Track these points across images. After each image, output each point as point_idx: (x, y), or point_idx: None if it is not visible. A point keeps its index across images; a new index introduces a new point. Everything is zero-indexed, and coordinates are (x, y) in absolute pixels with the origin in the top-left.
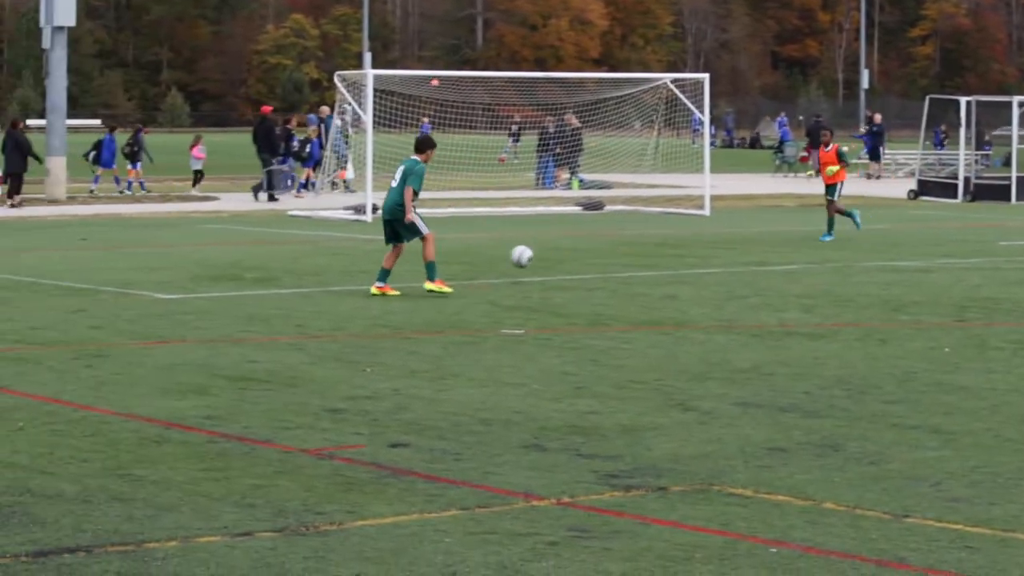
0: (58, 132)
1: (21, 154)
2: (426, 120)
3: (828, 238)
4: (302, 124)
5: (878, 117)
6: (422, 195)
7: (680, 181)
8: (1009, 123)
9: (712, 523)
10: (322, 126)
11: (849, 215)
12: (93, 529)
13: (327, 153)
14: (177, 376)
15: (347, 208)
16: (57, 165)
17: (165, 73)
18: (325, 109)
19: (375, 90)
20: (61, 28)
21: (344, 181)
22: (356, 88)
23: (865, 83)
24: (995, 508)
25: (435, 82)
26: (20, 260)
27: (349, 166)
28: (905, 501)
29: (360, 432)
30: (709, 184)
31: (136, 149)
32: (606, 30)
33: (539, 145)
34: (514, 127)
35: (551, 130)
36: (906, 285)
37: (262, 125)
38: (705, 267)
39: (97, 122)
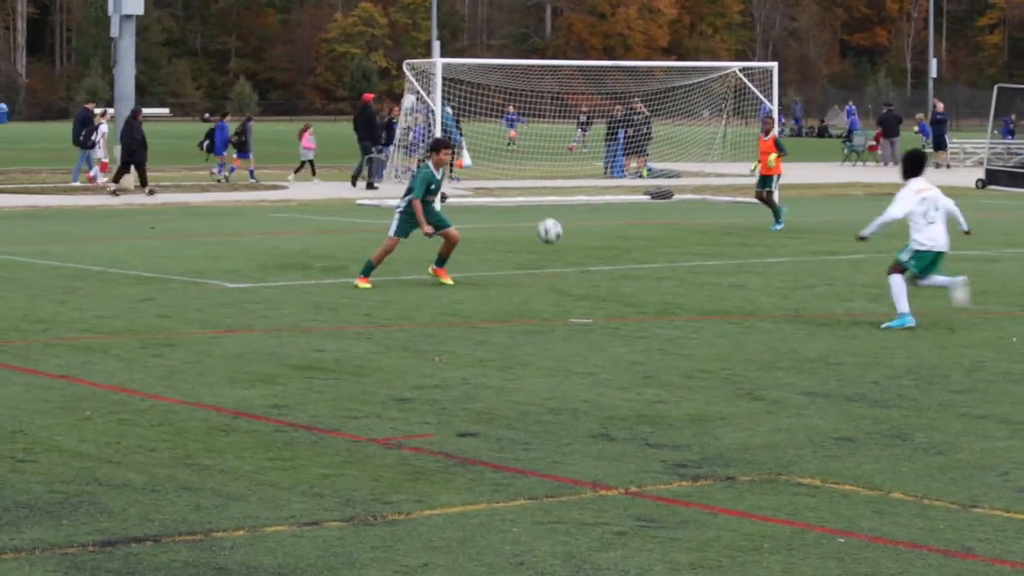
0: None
1: (137, 143)
2: (512, 109)
3: (778, 227)
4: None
5: (940, 105)
6: (493, 183)
7: (748, 170)
8: None
9: (780, 513)
10: (431, 115)
11: (775, 212)
12: (160, 519)
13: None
14: (245, 365)
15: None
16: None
17: (233, 62)
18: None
19: (444, 79)
20: (129, 16)
21: (460, 169)
22: (425, 77)
23: (933, 72)
24: None
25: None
26: (88, 249)
27: (465, 154)
28: (972, 491)
29: (428, 421)
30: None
31: (244, 139)
32: (675, 19)
33: (607, 134)
34: (582, 116)
35: (619, 118)
36: (974, 274)
37: (363, 113)
38: (773, 256)
39: (165, 111)
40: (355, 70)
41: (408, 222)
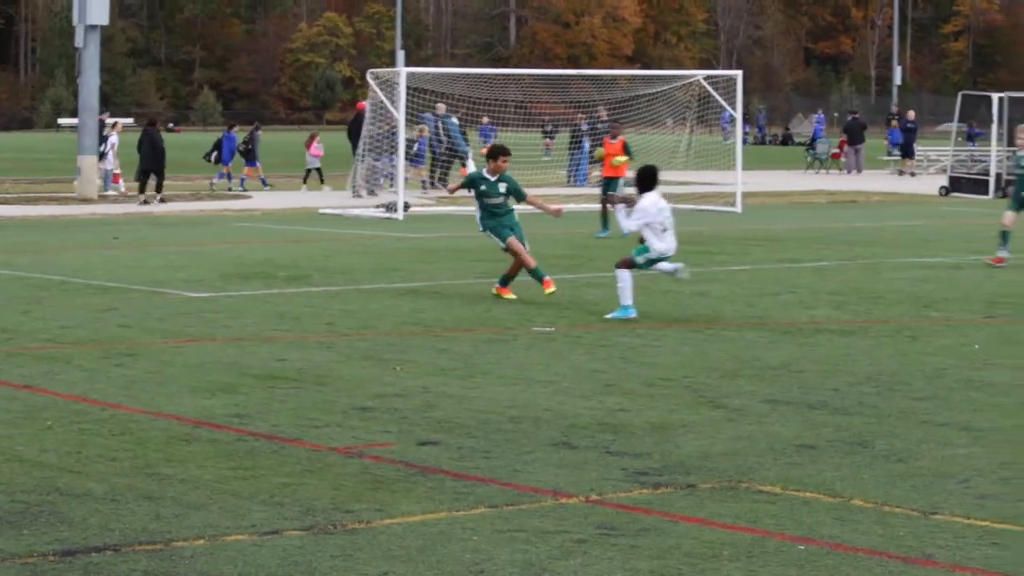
0: (90, 131)
1: (157, 152)
2: (486, 120)
3: (604, 234)
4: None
5: (911, 114)
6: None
7: (712, 178)
8: None
9: (740, 520)
10: (438, 124)
11: (605, 219)
12: (121, 528)
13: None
14: (206, 375)
15: (379, 206)
16: (88, 164)
17: (198, 72)
18: (441, 107)
19: (408, 88)
20: (94, 27)
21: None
22: (389, 86)
23: (898, 79)
24: (1023, 505)
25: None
26: (51, 259)
27: (470, 162)
28: (933, 498)
29: (389, 430)
30: (741, 181)
31: (251, 147)
32: (639, 27)
33: (571, 143)
34: (547, 125)
35: (584, 128)
36: (937, 282)
37: (356, 121)
38: (736, 264)
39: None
40: (319, 80)
41: (496, 226)
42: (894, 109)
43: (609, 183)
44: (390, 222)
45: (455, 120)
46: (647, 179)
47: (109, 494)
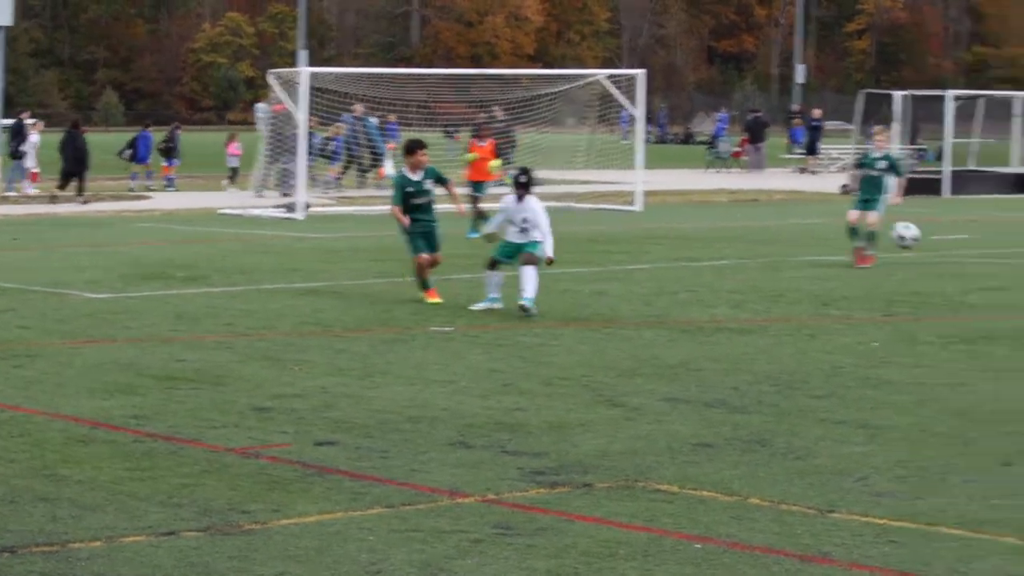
0: None
1: (79, 154)
2: (393, 118)
3: (475, 236)
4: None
5: (817, 111)
6: (358, 192)
7: (613, 177)
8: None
9: (637, 519)
10: (356, 125)
11: (483, 218)
12: (18, 529)
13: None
14: (105, 376)
15: (278, 206)
16: None
17: (101, 72)
18: (359, 107)
19: (312, 88)
20: None
21: (385, 179)
22: (291, 86)
23: (801, 78)
24: (920, 502)
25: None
26: None
27: (388, 163)
28: (830, 496)
29: (286, 431)
30: (642, 180)
31: (172, 146)
32: (542, 26)
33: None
34: (449, 126)
35: (481, 125)
36: (837, 280)
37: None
38: (635, 263)
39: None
40: (221, 80)
41: (413, 235)
42: (796, 107)
43: (479, 185)
44: (291, 222)
45: (374, 120)
46: (522, 183)
47: (6, 496)
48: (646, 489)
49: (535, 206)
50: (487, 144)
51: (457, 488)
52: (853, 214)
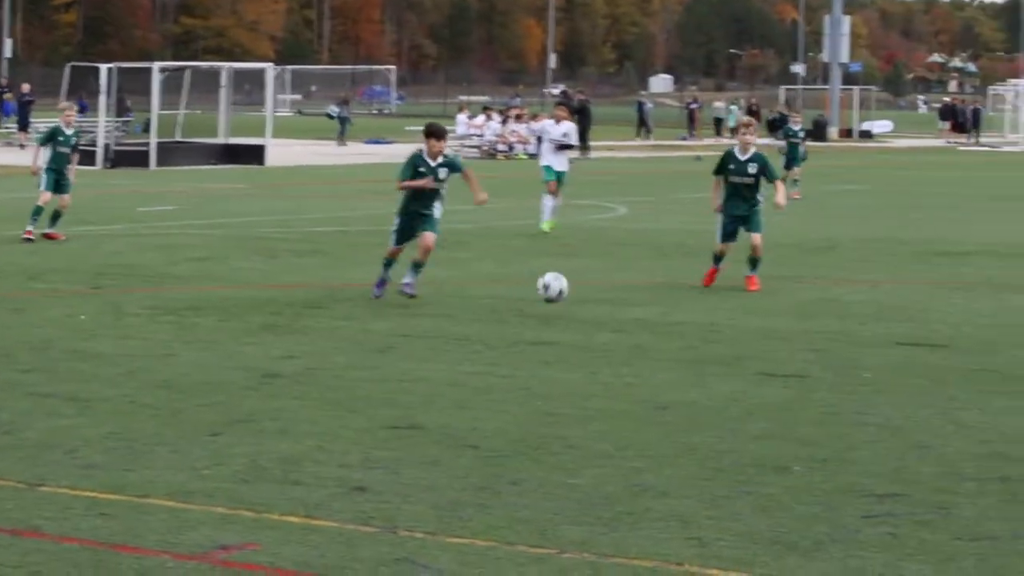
0: None
1: None
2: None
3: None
4: None
5: (26, 86)
6: None
7: None
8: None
9: None
10: None
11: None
12: None
13: None
14: None
15: None
16: None
17: None
18: None
19: None
20: None
21: None
22: None
23: (8, 52)
24: (130, 474)
25: None
26: None
27: None
28: (39, 470)
29: None
30: None
31: None
32: None
33: None
34: None
35: None
36: (43, 254)
37: None
38: None
39: None
40: None
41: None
42: (4, 81)
43: None
44: None
45: None
46: None
47: None
48: None
49: None
50: None
51: None
52: (46, 196)
